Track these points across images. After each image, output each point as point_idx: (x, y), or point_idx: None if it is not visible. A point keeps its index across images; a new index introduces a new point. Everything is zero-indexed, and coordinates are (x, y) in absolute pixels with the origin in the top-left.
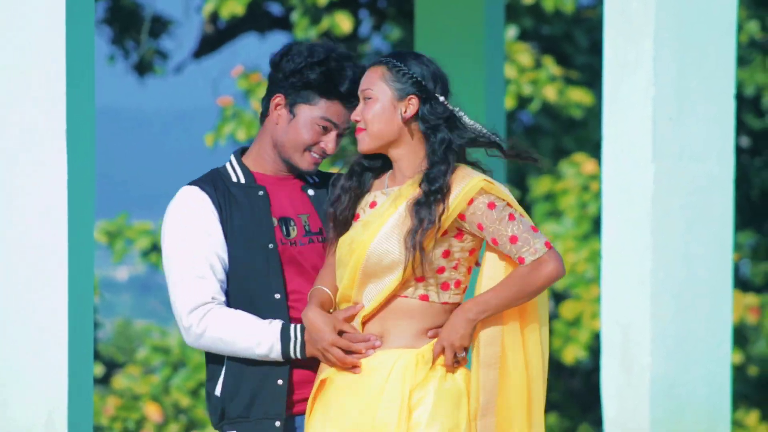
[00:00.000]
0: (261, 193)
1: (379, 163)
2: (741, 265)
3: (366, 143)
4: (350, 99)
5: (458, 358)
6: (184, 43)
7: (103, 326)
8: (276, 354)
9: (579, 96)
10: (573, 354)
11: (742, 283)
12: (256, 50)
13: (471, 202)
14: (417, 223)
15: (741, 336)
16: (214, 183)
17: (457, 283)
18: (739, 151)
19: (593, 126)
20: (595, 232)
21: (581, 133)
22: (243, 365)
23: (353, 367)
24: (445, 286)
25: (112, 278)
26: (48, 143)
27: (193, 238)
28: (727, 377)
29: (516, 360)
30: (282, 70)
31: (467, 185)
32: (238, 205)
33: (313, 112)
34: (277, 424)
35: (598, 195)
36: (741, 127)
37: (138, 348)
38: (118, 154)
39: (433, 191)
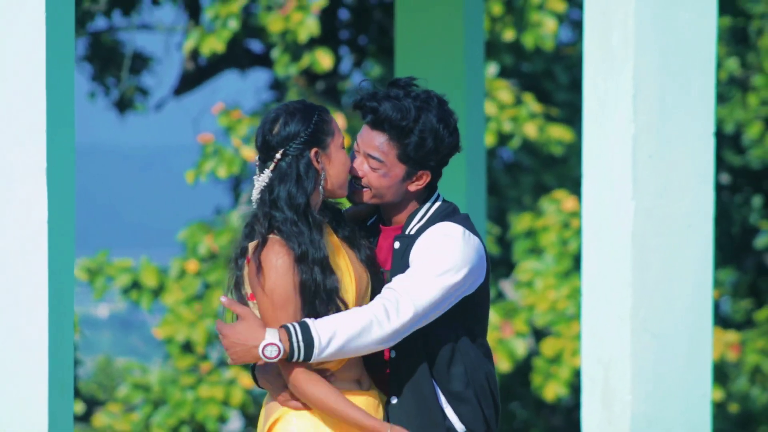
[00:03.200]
0: None
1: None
2: (722, 302)
3: None
4: (365, 120)
5: None
6: (164, 80)
7: (84, 363)
8: None
9: (559, 133)
10: (554, 391)
11: (722, 320)
12: (237, 87)
13: None
14: None
15: (722, 373)
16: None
17: None
18: (720, 187)
19: (574, 163)
20: (576, 269)
21: (562, 169)
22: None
23: None
24: None
25: (93, 315)
26: (28, 180)
27: None
28: (707, 415)
29: None
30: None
31: None
32: None
33: None
34: None
35: (578, 232)
36: (721, 164)
37: (119, 385)
38: (98, 191)
39: None
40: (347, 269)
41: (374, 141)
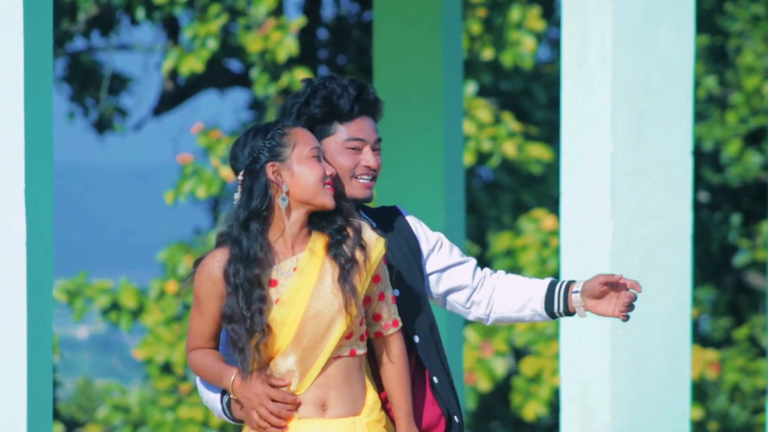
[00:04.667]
0: None
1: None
2: (701, 321)
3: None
4: (368, 112)
5: None
6: (143, 100)
7: (63, 385)
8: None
9: (538, 151)
10: (533, 410)
11: (702, 339)
12: (216, 107)
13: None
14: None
15: (701, 391)
16: None
17: (363, 337)
18: (698, 206)
19: (552, 181)
20: None
21: (541, 188)
22: None
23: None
24: (362, 338)
25: (72, 337)
26: (7, 201)
27: None
28: None
29: None
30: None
31: (378, 236)
32: None
33: (337, 138)
34: None
35: (558, 251)
36: (700, 182)
37: (98, 407)
38: (77, 211)
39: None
40: (301, 297)
41: (374, 125)
